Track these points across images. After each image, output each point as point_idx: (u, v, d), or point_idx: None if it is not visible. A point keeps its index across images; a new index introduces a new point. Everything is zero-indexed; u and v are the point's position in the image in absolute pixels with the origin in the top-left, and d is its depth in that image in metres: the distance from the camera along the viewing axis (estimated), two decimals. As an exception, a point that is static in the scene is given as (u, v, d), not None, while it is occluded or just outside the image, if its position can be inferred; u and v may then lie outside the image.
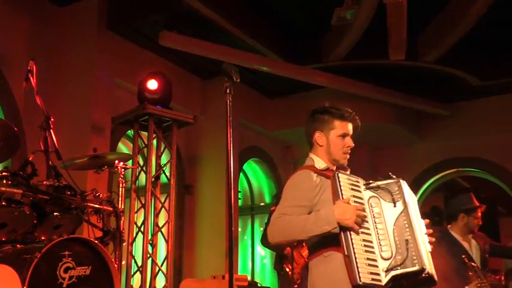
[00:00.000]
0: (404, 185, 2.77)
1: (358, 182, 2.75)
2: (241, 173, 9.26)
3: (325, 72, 8.00)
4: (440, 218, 8.06)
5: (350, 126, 2.89)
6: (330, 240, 2.62)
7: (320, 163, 2.84)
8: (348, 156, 2.89)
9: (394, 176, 2.79)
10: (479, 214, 4.73)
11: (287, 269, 5.70)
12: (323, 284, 2.67)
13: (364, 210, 2.64)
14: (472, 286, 4.23)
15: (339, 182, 2.65)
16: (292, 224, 2.65)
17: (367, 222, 2.63)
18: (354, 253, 2.51)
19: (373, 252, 2.58)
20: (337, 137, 2.85)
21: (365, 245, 2.57)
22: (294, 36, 7.82)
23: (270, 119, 9.39)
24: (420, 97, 8.88)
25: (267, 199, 9.81)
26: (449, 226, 4.74)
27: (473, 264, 4.40)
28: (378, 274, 2.54)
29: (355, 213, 2.56)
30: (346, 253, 2.53)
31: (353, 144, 2.88)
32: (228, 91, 2.71)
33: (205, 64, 7.71)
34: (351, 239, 2.54)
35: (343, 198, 2.62)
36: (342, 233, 2.56)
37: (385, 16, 6.15)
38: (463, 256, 4.38)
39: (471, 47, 7.45)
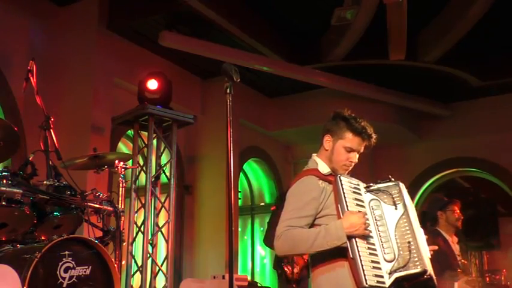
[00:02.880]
0: (403, 187, 2.78)
1: (358, 185, 2.74)
2: (241, 173, 9.26)
3: (325, 72, 8.00)
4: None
5: (361, 144, 2.81)
6: (337, 253, 2.61)
7: (323, 167, 2.81)
8: (349, 169, 2.83)
9: (393, 179, 2.79)
10: (456, 208, 4.85)
11: (286, 269, 5.72)
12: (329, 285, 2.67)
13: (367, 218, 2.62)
14: (460, 282, 4.32)
15: (342, 185, 2.64)
16: (301, 239, 2.62)
17: (369, 225, 2.63)
18: (359, 256, 2.52)
19: (376, 255, 2.58)
20: (342, 148, 2.79)
21: (369, 248, 2.57)
22: (294, 36, 7.82)
23: (270, 119, 9.39)
24: (420, 97, 8.88)
25: (267, 199, 9.82)
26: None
27: (463, 261, 4.53)
28: (382, 276, 2.55)
29: (364, 221, 2.55)
30: (351, 256, 2.53)
31: (356, 161, 2.82)
32: (228, 91, 2.70)
33: (205, 64, 7.71)
34: (356, 242, 2.55)
35: (346, 201, 2.61)
36: (348, 240, 2.56)
37: (385, 16, 6.15)
38: (457, 255, 4.52)
39: (471, 47, 7.45)
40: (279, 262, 6.20)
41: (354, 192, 2.68)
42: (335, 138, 2.82)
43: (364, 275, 2.48)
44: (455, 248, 4.79)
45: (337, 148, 2.80)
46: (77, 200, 3.80)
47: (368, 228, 2.59)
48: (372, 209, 2.68)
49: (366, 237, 2.58)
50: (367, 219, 2.60)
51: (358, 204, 2.65)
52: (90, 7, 6.58)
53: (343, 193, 2.63)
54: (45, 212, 3.67)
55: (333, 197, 2.68)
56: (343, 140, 2.79)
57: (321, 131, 2.91)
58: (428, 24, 7.30)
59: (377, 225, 2.65)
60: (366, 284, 2.48)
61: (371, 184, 2.76)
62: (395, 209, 2.69)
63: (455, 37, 6.97)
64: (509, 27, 7.08)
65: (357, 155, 2.83)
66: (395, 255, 2.60)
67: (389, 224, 2.67)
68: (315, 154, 2.90)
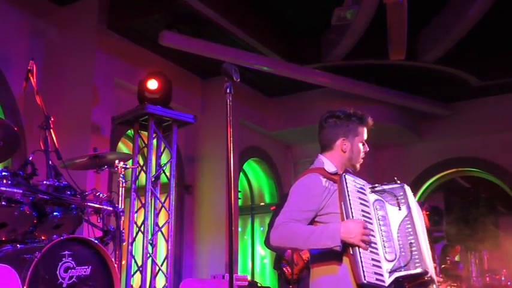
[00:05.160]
0: (408, 190, 2.78)
1: (364, 185, 2.74)
2: (241, 173, 9.26)
3: (325, 72, 8.00)
4: (440, 217, 8.06)
5: (366, 131, 2.91)
6: (337, 254, 2.60)
7: (330, 166, 2.80)
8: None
9: (398, 181, 2.80)
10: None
11: (285, 270, 5.71)
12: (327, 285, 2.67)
13: (369, 227, 2.61)
14: None
15: (346, 184, 2.64)
16: (297, 234, 2.61)
17: (371, 224, 2.63)
18: (359, 252, 2.52)
19: (377, 254, 2.58)
20: (360, 143, 2.86)
21: (370, 245, 2.57)
22: (294, 36, 7.82)
23: (270, 119, 9.39)
24: (420, 97, 8.88)
25: (267, 199, 9.82)
26: None
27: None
28: (382, 275, 2.55)
29: (362, 231, 2.53)
30: (351, 252, 2.53)
31: (368, 149, 2.90)
32: (228, 91, 2.70)
33: (205, 64, 7.71)
34: None
35: (349, 199, 2.61)
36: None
37: (385, 16, 6.15)
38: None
39: (471, 47, 7.45)
40: (278, 262, 6.19)
41: (359, 191, 2.69)
42: (350, 137, 2.85)
43: (363, 271, 2.48)
44: None
45: (355, 146, 2.85)
46: (77, 200, 3.80)
47: (368, 229, 2.58)
48: (376, 209, 2.69)
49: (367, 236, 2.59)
50: (369, 229, 2.59)
51: (362, 204, 2.66)
52: (90, 7, 6.57)
53: (347, 192, 2.63)
54: (45, 212, 3.67)
55: (336, 196, 2.67)
56: (358, 136, 2.86)
57: (324, 138, 2.88)
58: (428, 24, 7.30)
59: (380, 225, 2.65)
60: (365, 280, 2.47)
61: (376, 185, 2.77)
62: (399, 210, 2.70)
63: (455, 37, 6.96)
64: (509, 27, 7.08)
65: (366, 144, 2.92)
66: (397, 255, 2.60)
67: (392, 224, 2.67)
68: (321, 154, 2.88)
